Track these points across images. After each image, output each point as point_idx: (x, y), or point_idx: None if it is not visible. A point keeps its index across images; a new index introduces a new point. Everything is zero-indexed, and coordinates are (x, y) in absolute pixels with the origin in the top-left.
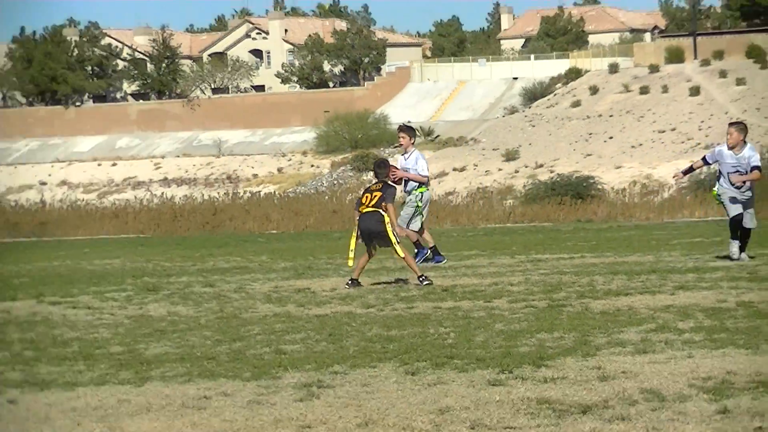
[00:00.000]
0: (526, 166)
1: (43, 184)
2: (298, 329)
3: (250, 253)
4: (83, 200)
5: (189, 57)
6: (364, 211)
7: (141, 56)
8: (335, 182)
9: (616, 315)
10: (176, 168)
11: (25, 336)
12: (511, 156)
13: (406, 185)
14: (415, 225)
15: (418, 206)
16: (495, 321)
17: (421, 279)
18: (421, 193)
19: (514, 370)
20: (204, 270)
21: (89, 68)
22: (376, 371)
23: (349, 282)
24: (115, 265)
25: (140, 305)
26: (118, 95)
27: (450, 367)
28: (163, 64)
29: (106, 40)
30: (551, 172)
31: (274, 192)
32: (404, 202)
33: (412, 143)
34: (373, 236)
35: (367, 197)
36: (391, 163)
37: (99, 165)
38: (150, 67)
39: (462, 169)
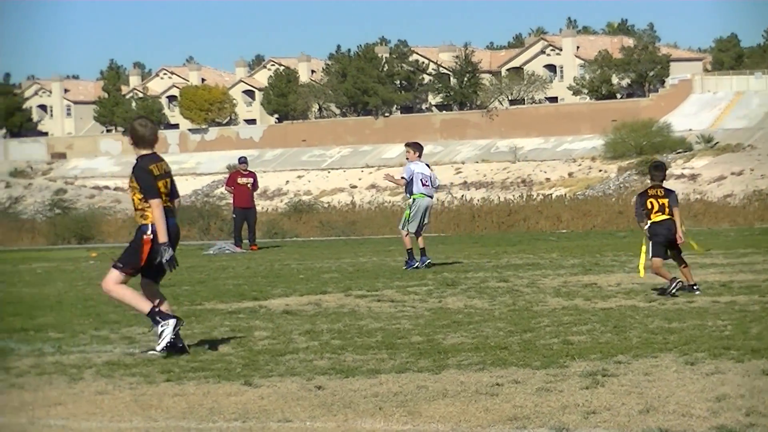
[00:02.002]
0: None
1: (353, 187)
2: (584, 321)
3: (542, 251)
4: (389, 202)
5: (489, 71)
6: (659, 219)
7: (445, 71)
8: (621, 185)
9: None
10: (475, 172)
11: (333, 326)
12: None
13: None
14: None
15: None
16: None
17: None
18: (414, 199)
19: None
20: (499, 266)
21: (398, 82)
22: (657, 361)
23: (689, 286)
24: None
25: (439, 298)
26: (424, 106)
27: (726, 358)
28: (465, 78)
29: (413, 57)
30: None
31: (565, 194)
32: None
33: (418, 156)
34: (671, 244)
35: (652, 203)
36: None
37: None
38: (453, 80)
39: (739, 173)
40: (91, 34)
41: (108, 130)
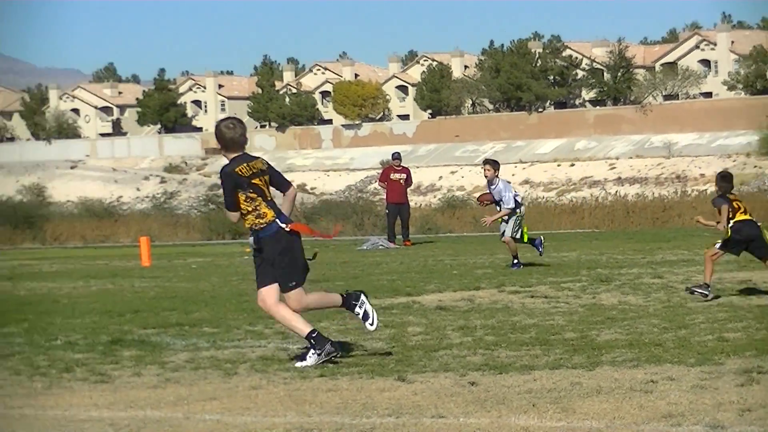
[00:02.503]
0: None
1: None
2: (739, 318)
3: (697, 247)
4: (543, 198)
5: (642, 66)
6: (744, 219)
7: (598, 66)
8: None
9: None
10: (629, 168)
11: (486, 322)
12: None
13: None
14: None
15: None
16: None
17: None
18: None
19: None
20: (653, 262)
21: (551, 77)
22: None
23: None
24: (571, 257)
25: (593, 294)
26: (577, 102)
27: None
28: (619, 73)
29: (566, 52)
30: None
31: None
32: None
33: (497, 175)
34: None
35: (738, 204)
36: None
37: (558, 165)
38: (606, 76)
39: None
40: (245, 30)
41: (262, 126)
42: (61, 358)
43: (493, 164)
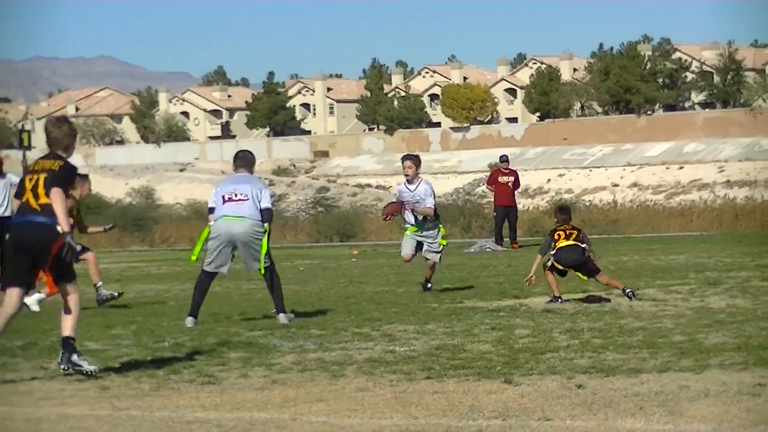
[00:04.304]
0: None
1: (615, 186)
2: None
3: None
4: (651, 201)
5: (752, 69)
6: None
7: (708, 69)
8: None
9: None
10: (738, 171)
11: (594, 325)
12: None
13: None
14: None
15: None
16: None
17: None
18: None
19: None
20: (762, 265)
21: (660, 80)
22: None
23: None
24: (680, 260)
25: (701, 298)
26: (686, 105)
27: None
28: (728, 76)
29: (676, 55)
30: None
31: None
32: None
33: (419, 173)
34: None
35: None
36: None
37: (667, 168)
38: (716, 78)
39: None
40: (355, 33)
41: (370, 129)
42: (168, 359)
43: (414, 160)
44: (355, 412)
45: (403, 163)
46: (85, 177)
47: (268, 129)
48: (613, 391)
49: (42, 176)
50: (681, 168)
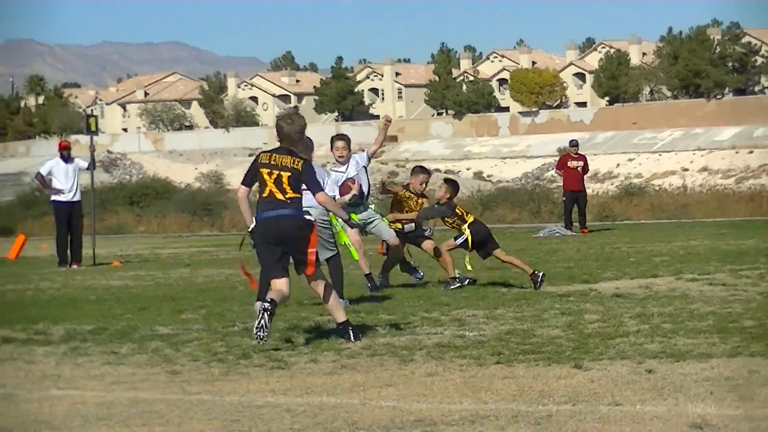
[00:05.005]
0: None
1: (685, 170)
2: None
3: None
4: (721, 185)
5: None
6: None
7: None
8: None
9: None
10: None
11: (664, 310)
12: None
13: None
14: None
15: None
16: None
17: None
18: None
19: None
20: None
21: (730, 64)
22: None
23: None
24: (749, 245)
25: None
26: (756, 88)
27: None
28: None
29: (745, 39)
30: None
31: None
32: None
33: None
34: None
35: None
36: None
37: (736, 153)
38: None
39: None
40: (423, 17)
41: (439, 113)
42: (238, 344)
43: (347, 140)
44: (425, 396)
45: (334, 143)
46: (424, 169)
47: (336, 114)
48: (683, 375)
49: (285, 174)
50: (750, 152)
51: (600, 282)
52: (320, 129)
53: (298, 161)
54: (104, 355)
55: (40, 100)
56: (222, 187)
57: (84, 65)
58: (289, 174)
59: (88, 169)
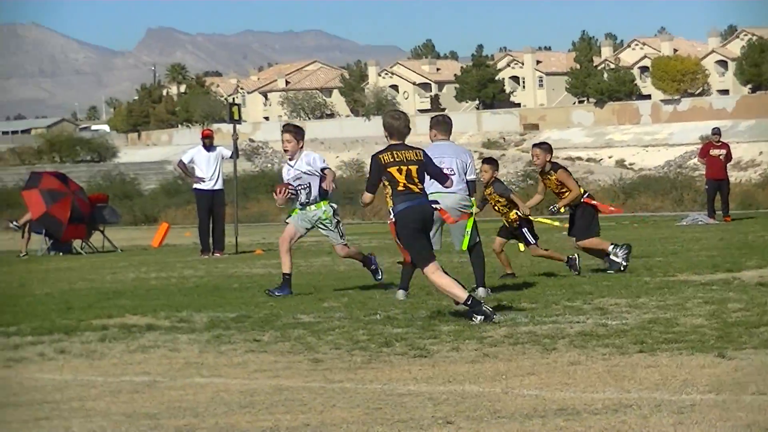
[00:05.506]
0: None
1: None
2: None
3: None
4: None
5: None
6: None
7: None
8: None
9: None
10: None
11: None
12: None
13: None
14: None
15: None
16: None
17: None
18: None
19: None
20: None
21: None
22: None
23: None
24: None
25: None
26: None
27: None
28: None
29: None
30: None
31: None
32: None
33: (300, 147)
34: None
35: None
36: None
37: None
38: None
39: None
40: (564, 5)
41: (580, 101)
42: (380, 332)
43: (294, 132)
44: (567, 385)
45: (281, 135)
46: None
47: (477, 102)
48: None
49: (413, 168)
50: None
51: (743, 270)
52: (461, 117)
53: (418, 152)
54: (247, 342)
55: (182, 88)
56: (363, 176)
57: (225, 54)
58: (417, 166)
59: (231, 157)
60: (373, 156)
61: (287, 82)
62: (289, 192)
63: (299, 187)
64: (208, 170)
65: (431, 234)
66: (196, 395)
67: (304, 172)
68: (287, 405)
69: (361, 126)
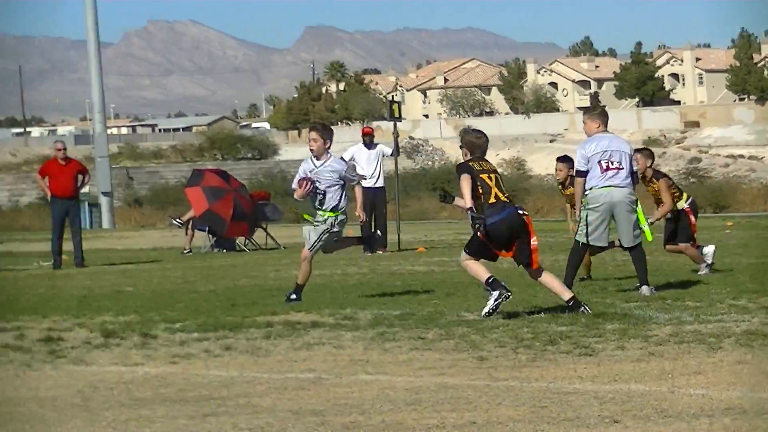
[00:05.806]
0: None
1: None
2: None
3: None
4: None
5: None
6: None
7: None
8: None
9: None
10: None
11: None
12: None
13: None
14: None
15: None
16: None
17: None
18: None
19: None
20: None
21: None
22: None
23: None
24: None
25: None
26: None
27: None
28: None
29: None
30: None
31: None
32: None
33: (327, 147)
34: None
35: None
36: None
37: None
38: None
39: None
40: (722, 2)
41: (741, 99)
42: (545, 330)
43: (321, 132)
44: (735, 385)
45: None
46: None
47: (637, 99)
48: None
49: (497, 176)
50: None
51: None
52: (620, 115)
53: (492, 163)
54: (411, 340)
55: (341, 86)
56: (524, 173)
57: (383, 51)
58: (498, 175)
59: (392, 155)
60: (460, 164)
61: (446, 80)
62: (312, 188)
63: (317, 191)
64: (369, 168)
65: (599, 232)
66: (362, 392)
67: (327, 178)
68: (453, 403)
69: (521, 124)
